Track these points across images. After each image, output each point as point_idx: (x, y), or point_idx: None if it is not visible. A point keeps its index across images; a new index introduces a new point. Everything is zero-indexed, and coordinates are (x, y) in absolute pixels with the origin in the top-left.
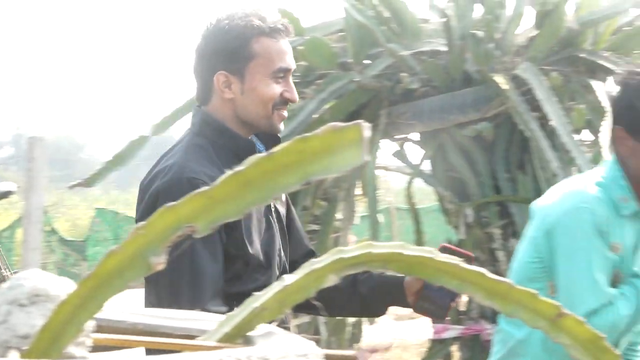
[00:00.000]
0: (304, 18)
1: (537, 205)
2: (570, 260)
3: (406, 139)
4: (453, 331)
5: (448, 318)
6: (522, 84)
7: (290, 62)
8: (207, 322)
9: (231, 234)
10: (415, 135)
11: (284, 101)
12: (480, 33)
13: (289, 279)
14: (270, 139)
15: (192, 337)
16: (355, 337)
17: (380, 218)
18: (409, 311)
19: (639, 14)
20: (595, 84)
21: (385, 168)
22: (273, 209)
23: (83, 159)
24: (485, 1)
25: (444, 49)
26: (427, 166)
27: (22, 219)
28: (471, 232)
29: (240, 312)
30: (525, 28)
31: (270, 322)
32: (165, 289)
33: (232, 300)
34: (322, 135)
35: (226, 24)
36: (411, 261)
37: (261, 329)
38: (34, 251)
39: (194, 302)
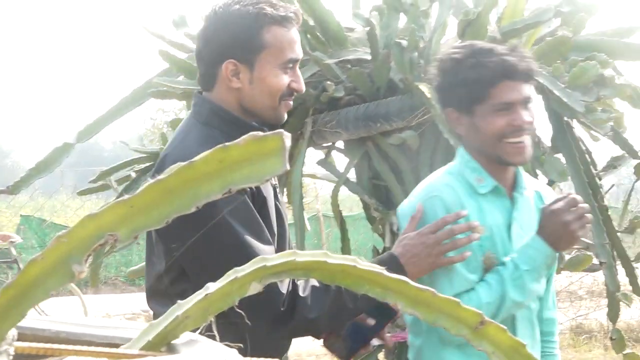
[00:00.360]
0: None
1: (399, 209)
2: None
3: (332, 147)
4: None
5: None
6: None
7: (299, 52)
8: (130, 330)
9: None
10: (341, 144)
11: (291, 92)
12: (404, 42)
13: (212, 286)
14: (272, 128)
15: (115, 346)
16: (284, 347)
17: (308, 226)
18: None
19: (560, 25)
20: None
21: (313, 176)
22: (280, 195)
23: (8, 166)
24: (409, 11)
25: (369, 57)
26: (352, 174)
27: None
28: (396, 239)
29: (164, 320)
30: (449, 37)
31: (195, 330)
32: None
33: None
34: (243, 145)
35: (236, 10)
36: (334, 269)
37: (185, 337)
38: None
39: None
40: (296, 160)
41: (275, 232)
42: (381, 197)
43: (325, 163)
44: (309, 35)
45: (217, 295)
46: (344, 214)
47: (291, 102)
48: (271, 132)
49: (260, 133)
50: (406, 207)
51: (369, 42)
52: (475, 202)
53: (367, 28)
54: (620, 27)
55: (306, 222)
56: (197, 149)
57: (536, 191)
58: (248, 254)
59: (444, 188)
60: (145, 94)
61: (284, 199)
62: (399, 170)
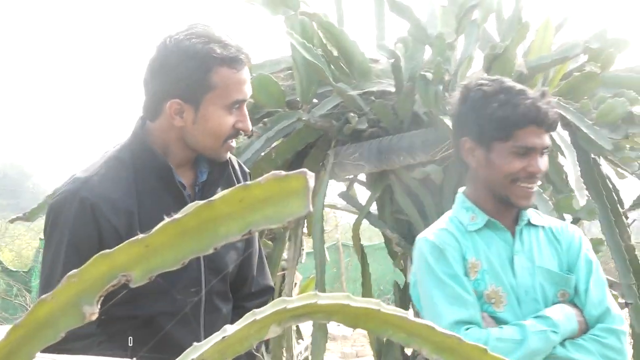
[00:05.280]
0: (251, 54)
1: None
2: (422, 298)
3: (354, 180)
4: None
5: None
6: None
7: (246, 92)
8: None
9: None
10: (363, 176)
11: (237, 132)
12: (429, 75)
13: (229, 329)
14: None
15: None
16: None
17: (327, 256)
18: (354, 349)
19: (588, 60)
20: None
21: (334, 207)
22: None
23: (29, 188)
24: (435, 43)
25: (393, 89)
26: (374, 207)
27: None
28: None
29: None
30: (475, 71)
31: None
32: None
33: (122, 321)
34: (264, 184)
35: (186, 48)
36: (357, 313)
37: None
38: None
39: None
40: (317, 192)
41: None
42: (403, 231)
43: (347, 195)
44: (332, 66)
45: (234, 338)
46: (363, 243)
47: (234, 143)
48: (295, 171)
49: (283, 172)
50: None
51: (394, 74)
52: (470, 239)
53: (392, 60)
54: None
55: (325, 252)
56: (94, 169)
57: (550, 227)
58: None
59: (434, 231)
60: None
61: (304, 230)
62: (422, 205)
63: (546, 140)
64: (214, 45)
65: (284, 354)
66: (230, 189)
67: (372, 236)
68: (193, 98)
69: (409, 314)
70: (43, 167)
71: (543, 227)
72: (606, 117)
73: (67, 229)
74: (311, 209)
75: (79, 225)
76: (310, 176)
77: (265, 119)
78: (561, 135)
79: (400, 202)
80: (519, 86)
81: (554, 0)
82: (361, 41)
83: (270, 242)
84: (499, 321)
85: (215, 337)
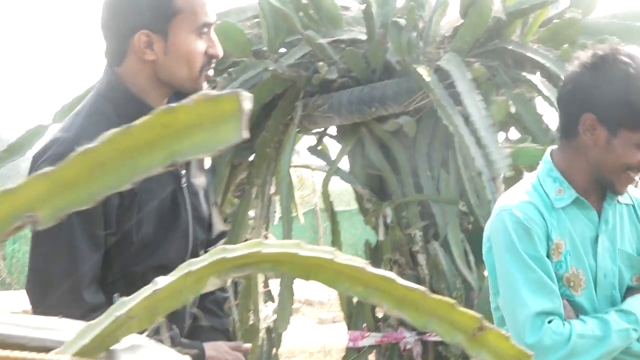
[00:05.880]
0: (216, 2)
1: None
2: (501, 277)
3: (323, 133)
4: (370, 339)
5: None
6: (447, 76)
7: (212, 15)
8: (65, 332)
9: (122, 218)
10: (333, 129)
11: (209, 60)
12: (402, 21)
13: (161, 281)
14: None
15: (47, 350)
16: (274, 342)
17: (302, 219)
18: (331, 315)
19: (569, 6)
20: (533, 77)
21: (308, 166)
22: (184, 185)
23: None
24: None
25: (364, 37)
26: (345, 162)
27: None
28: (390, 233)
29: (103, 321)
30: (451, 18)
31: (140, 333)
32: (39, 275)
33: (113, 284)
34: (192, 107)
35: None
36: (308, 263)
37: (127, 341)
38: None
39: (71, 291)
40: (285, 147)
41: (149, 222)
42: (375, 187)
43: (316, 150)
44: (301, 13)
45: (166, 292)
46: (341, 208)
47: (211, 72)
48: (227, 91)
49: (214, 92)
50: (488, 224)
51: (365, 20)
52: (556, 217)
53: (363, 6)
54: (633, 9)
55: (300, 215)
56: (78, 125)
57: (634, 204)
58: (69, 250)
59: (519, 201)
60: None
61: (271, 190)
62: (394, 159)
63: None
64: None
65: (251, 317)
66: (151, 112)
67: (350, 200)
68: (160, 26)
69: (367, 264)
70: (6, 119)
71: (627, 204)
72: None
73: None
74: (246, 135)
75: None
76: (245, 97)
77: (230, 69)
78: (543, 83)
79: (372, 156)
80: None
81: None
82: None
83: (236, 200)
84: (573, 305)
85: (145, 290)
